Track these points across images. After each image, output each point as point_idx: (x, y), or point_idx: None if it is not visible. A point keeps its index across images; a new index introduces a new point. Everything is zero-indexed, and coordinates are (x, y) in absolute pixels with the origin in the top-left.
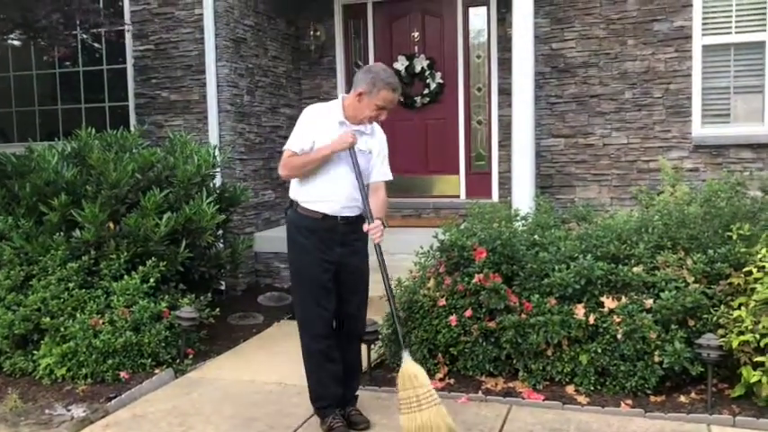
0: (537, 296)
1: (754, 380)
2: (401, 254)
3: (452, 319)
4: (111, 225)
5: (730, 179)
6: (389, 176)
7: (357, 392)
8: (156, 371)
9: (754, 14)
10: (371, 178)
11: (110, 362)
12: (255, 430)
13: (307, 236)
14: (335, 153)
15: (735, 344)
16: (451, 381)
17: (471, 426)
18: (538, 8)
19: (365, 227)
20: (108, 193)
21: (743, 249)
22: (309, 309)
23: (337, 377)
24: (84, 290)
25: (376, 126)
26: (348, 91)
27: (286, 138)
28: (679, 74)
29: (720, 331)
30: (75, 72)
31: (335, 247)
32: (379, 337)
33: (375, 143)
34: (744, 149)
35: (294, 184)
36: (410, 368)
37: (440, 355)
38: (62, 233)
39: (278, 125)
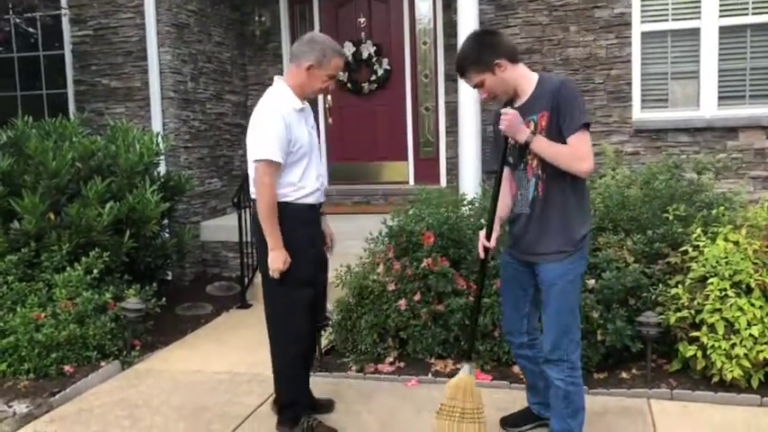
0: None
1: (689, 354)
2: (351, 240)
3: (402, 303)
4: (52, 215)
5: (668, 162)
6: None
7: None
8: (103, 363)
9: (690, 2)
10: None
11: (53, 356)
12: (205, 420)
13: (301, 233)
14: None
15: (672, 320)
16: (401, 364)
17: (421, 408)
18: None
19: None
20: (48, 183)
21: (680, 230)
22: (301, 312)
23: (308, 381)
24: (24, 283)
25: None
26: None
27: (231, 125)
28: (619, 60)
29: (659, 309)
30: (10, 58)
31: (317, 237)
32: (330, 323)
33: (310, 116)
34: (681, 133)
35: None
36: (466, 382)
37: (390, 339)
38: None
39: (223, 112)
